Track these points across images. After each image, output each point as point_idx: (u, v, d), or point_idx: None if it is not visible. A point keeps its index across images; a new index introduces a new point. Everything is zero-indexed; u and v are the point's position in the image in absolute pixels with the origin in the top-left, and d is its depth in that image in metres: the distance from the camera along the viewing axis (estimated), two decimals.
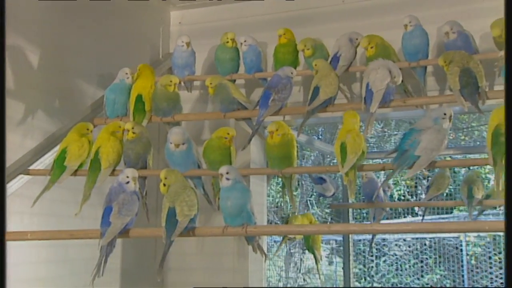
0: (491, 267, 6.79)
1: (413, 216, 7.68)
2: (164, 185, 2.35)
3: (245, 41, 3.23)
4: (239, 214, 2.36)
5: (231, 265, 3.31)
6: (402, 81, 3.10)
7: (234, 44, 3.27)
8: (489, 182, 6.00)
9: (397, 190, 7.67)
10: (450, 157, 5.38)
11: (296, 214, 3.71)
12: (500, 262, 6.70)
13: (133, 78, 3.00)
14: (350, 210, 4.04)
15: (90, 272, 2.14)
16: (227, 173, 2.44)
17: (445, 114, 2.58)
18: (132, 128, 2.72)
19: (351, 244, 3.79)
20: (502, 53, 2.69)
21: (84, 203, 2.57)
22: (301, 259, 6.66)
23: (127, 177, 2.36)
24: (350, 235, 3.86)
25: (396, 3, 3.24)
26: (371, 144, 5.11)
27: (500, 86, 2.79)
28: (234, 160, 2.87)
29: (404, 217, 7.74)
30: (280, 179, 2.94)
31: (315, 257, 3.32)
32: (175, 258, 3.41)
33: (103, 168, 2.62)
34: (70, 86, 2.94)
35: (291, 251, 6.69)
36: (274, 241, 6.93)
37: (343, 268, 3.79)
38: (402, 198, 7.61)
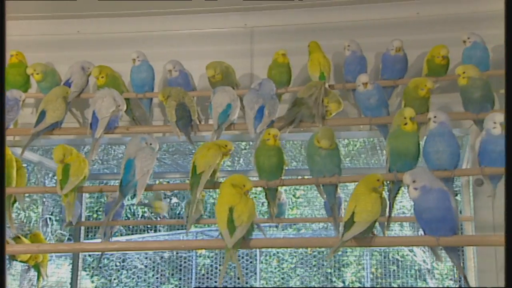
0: (217, 275, 7.09)
1: (155, 232, 7.72)
2: None
3: None
4: None
5: None
6: (131, 110, 3.13)
7: None
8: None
9: (141, 208, 7.67)
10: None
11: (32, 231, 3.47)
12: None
13: None
14: (84, 228, 3.89)
15: None
16: None
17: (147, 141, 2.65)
18: None
19: (80, 260, 3.64)
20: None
21: None
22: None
23: None
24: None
25: (127, 39, 3.26)
26: (106, 168, 5.10)
27: (211, 120, 2.94)
28: None
29: (148, 232, 7.76)
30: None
31: (39, 274, 3.13)
32: None
33: None
34: None
35: (25, 267, 6.28)
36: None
37: (70, 283, 3.63)
38: (145, 215, 7.64)
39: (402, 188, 2.52)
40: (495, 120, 2.28)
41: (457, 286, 4.04)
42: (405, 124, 2.40)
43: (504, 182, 2.34)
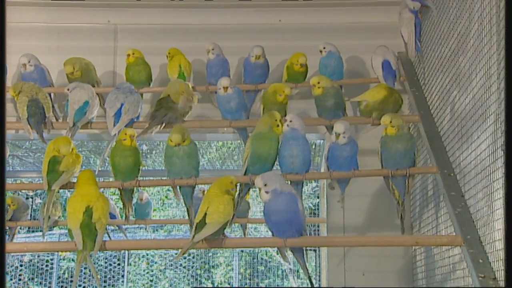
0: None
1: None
2: None
3: None
4: None
5: None
6: None
7: None
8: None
9: None
10: None
11: None
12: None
13: None
14: None
15: None
16: None
17: None
18: None
19: None
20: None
21: None
22: None
23: None
24: None
25: None
26: None
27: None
28: None
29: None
30: None
31: None
32: None
33: None
34: None
35: None
36: None
37: None
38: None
39: None
40: (335, 130, 2.43)
41: (316, 285, 4.25)
42: (277, 126, 2.46)
43: (350, 185, 2.55)
